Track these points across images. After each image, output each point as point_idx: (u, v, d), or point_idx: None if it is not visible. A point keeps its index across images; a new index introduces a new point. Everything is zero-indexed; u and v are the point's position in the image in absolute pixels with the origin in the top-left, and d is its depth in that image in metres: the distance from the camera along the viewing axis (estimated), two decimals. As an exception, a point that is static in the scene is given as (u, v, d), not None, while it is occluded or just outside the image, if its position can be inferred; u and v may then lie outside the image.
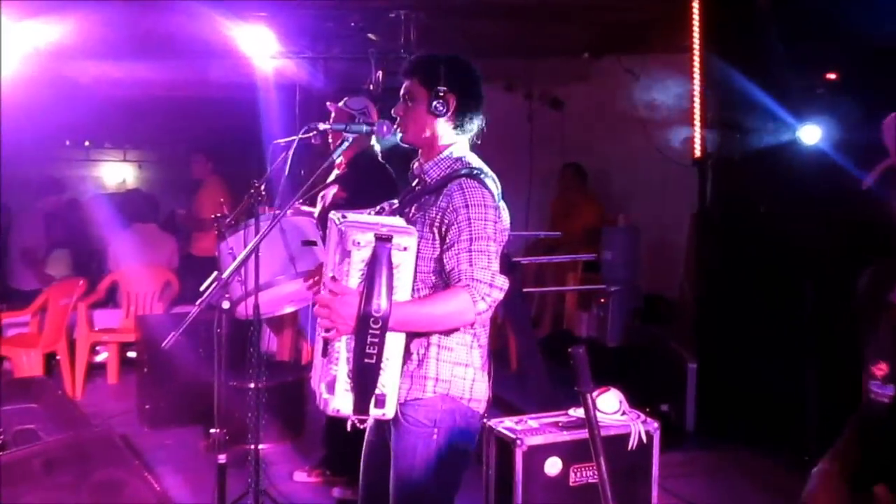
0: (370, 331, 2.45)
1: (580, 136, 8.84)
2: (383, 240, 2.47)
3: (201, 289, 3.06)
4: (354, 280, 2.48)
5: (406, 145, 2.87)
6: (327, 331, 2.52)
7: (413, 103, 2.79)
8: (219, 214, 4.25)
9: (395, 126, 2.85)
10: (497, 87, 8.45)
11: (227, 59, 7.51)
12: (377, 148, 4.77)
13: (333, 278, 2.54)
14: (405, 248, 2.49)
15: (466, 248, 2.58)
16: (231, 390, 3.26)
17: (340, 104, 4.76)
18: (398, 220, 2.68)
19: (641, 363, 6.52)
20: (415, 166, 2.89)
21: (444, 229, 2.63)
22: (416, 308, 2.56)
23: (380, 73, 6.94)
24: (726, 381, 5.80)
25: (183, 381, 5.64)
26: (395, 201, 2.90)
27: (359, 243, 2.45)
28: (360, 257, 2.46)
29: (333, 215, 2.71)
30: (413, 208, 2.77)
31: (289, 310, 4.58)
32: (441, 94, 2.74)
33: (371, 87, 6.90)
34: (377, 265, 2.46)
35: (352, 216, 2.65)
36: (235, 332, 3.29)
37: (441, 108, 2.74)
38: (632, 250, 7.59)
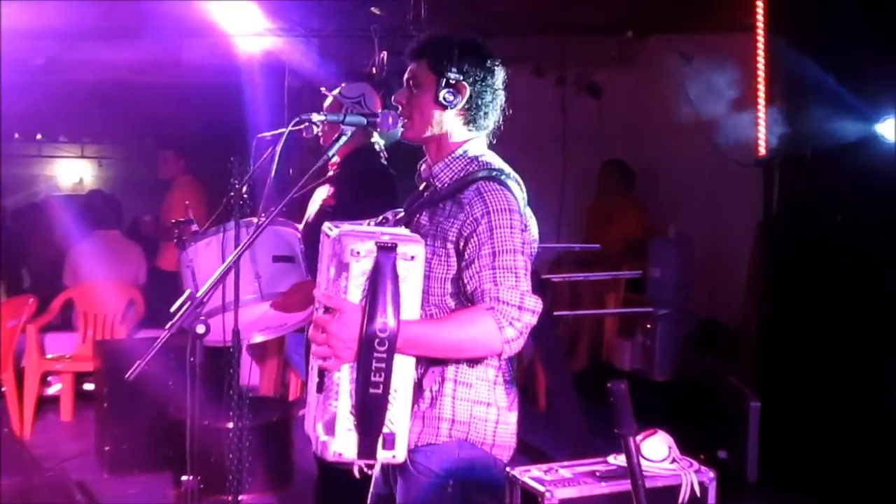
0: (376, 354, 2.44)
1: (622, 130, 8.85)
2: (386, 249, 2.48)
3: (172, 309, 3.07)
4: (354, 296, 2.48)
5: (408, 142, 2.87)
6: (324, 359, 2.51)
7: (418, 91, 2.80)
8: (181, 220, 4.27)
9: (400, 118, 2.86)
10: (523, 72, 8.46)
11: (204, 38, 7.55)
12: (380, 145, 4.78)
13: (328, 295, 2.54)
14: (412, 258, 2.50)
15: (489, 263, 2.58)
16: (206, 431, 3.28)
17: (336, 91, 4.76)
18: (402, 230, 2.69)
19: (695, 401, 6.49)
20: (422, 168, 2.89)
21: (461, 243, 2.63)
22: (428, 328, 2.56)
23: (384, 55, 6.97)
24: (796, 422, 5.79)
25: (149, 418, 5.65)
26: (400, 210, 2.90)
27: (358, 253, 2.46)
28: (359, 269, 2.47)
29: (326, 227, 2.71)
30: (421, 218, 2.78)
31: (258, 339, 4.60)
32: (452, 81, 2.74)
33: (374, 70, 6.93)
34: (381, 277, 2.46)
35: (347, 226, 2.67)
36: (211, 362, 3.30)
37: (450, 98, 2.75)
38: (684, 266, 7.58)
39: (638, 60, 8.70)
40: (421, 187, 2.90)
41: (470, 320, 2.55)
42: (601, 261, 7.96)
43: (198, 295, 2.71)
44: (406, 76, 2.83)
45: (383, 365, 2.45)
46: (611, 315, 8.03)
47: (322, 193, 4.64)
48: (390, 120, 2.89)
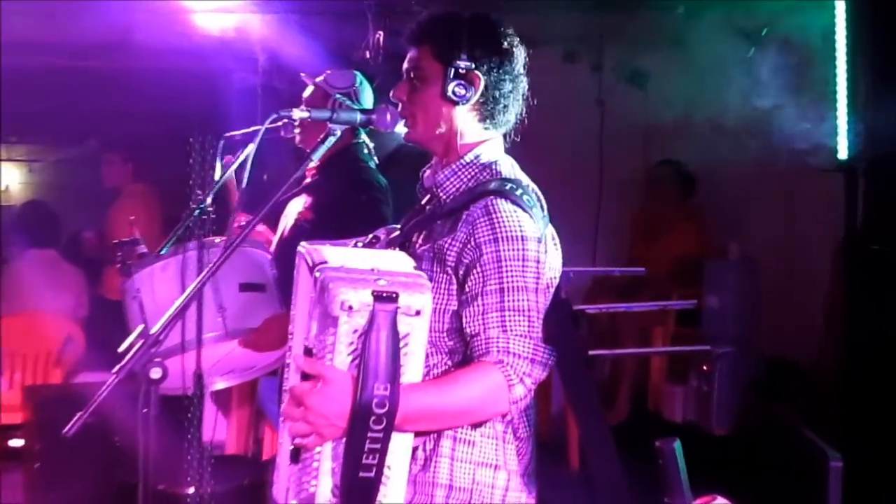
0: (370, 433, 2.39)
1: (672, 127, 8.82)
2: (385, 300, 2.40)
3: (121, 349, 3.08)
4: (342, 359, 2.42)
5: (412, 145, 2.90)
6: (302, 436, 2.47)
7: (422, 84, 2.82)
8: (124, 240, 4.33)
9: (399, 117, 2.88)
10: (552, 56, 8.48)
11: (160, 15, 7.62)
12: (368, 146, 4.82)
13: (309, 352, 2.51)
14: (417, 313, 2.44)
15: (496, 303, 2.59)
16: (162, 498, 3.28)
17: (321, 79, 4.79)
18: (401, 259, 2.63)
19: (762, 460, 6.45)
20: (425, 175, 2.92)
21: (461, 271, 2.64)
22: (432, 397, 2.51)
23: (380, 36, 7.08)
24: (884, 484, 5.78)
25: (92, 482, 5.65)
26: (395, 228, 2.92)
27: (350, 308, 2.39)
28: (350, 327, 2.41)
29: (303, 249, 2.68)
30: (419, 238, 2.79)
31: (221, 385, 4.66)
32: (462, 70, 2.75)
33: (367, 55, 7.05)
34: (377, 338, 2.39)
35: (332, 254, 2.58)
36: (169, 414, 3.29)
37: (461, 92, 2.76)
38: (748, 294, 7.62)
39: (691, 42, 8.67)
40: (423, 200, 2.92)
41: (477, 380, 2.54)
42: (647, 287, 8.00)
43: (152, 331, 2.69)
44: (406, 66, 2.85)
45: (378, 445, 2.40)
46: (658, 354, 8.05)
47: (297, 205, 4.68)
48: (389, 117, 2.90)
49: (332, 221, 4.38)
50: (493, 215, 2.63)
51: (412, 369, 2.47)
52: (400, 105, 2.86)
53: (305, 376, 2.48)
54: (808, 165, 6.89)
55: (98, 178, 8.40)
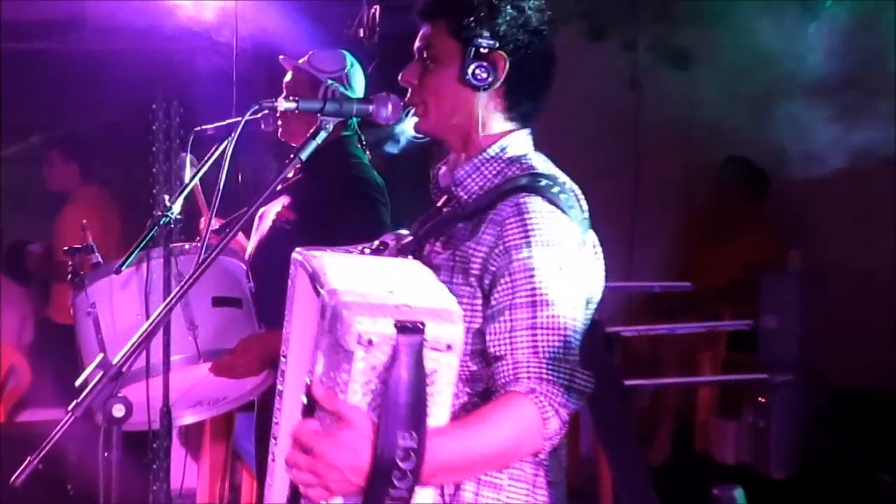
0: (392, 490, 2.32)
1: (719, 115, 8.83)
2: (410, 331, 2.32)
3: (77, 382, 3.07)
4: (357, 399, 2.36)
5: (423, 137, 2.91)
6: (307, 486, 2.41)
7: (435, 65, 2.82)
8: (76, 247, 4.37)
9: (404, 105, 2.87)
10: (577, 33, 8.46)
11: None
12: (360, 136, 4.83)
13: (316, 385, 2.42)
14: (448, 347, 2.36)
15: (527, 318, 2.57)
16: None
17: (304, 61, 4.82)
18: (420, 273, 2.61)
19: (830, 505, 6.51)
20: (439, 173, 2.93)
21: (486, 280, 2.64)
22: (460, 445, 2.45)
23: (375, 10, 7.03)
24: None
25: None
26: (405, 233, 2.92)
27: (370, 342, 2.31)
28: (368, 363, 2.34)
29: (300, 256, 2.68)
30: (437, 245, 2.79)
31: (190, 419, 4.67)
32: (484, 49, 2.74)
33: (361, 33, 7.01)
34: (401, 378, 2.30)
35: (337, 266, 2.56)
36: (131, 456, 3.29)
37: (482, 76, 2.75)
38: (812, 313, 7.55)
39: (741, 15, 8.67)
40: (439, 202, 2.93)
41: (509, 418, 2.49)
42: (696, 305, 8.00)
43: (114, 361, 2.65)
44: (417, 44, 2.85)
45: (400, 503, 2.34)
46: (706, 384, 8.04)
47: (276, 205, 4.70)
48: (389, 108, 2.89)
49: (319, 223, 4.43)
50: (526, 215, 2.62)
51: (438, 412, 2.41)
52: (409, 90, 2.85)
53: (309, 411, 2.41)
54: (882, 161, 6.96)
55: (41, 179, 8.45)
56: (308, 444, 2.36)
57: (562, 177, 2.77)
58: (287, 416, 2.64)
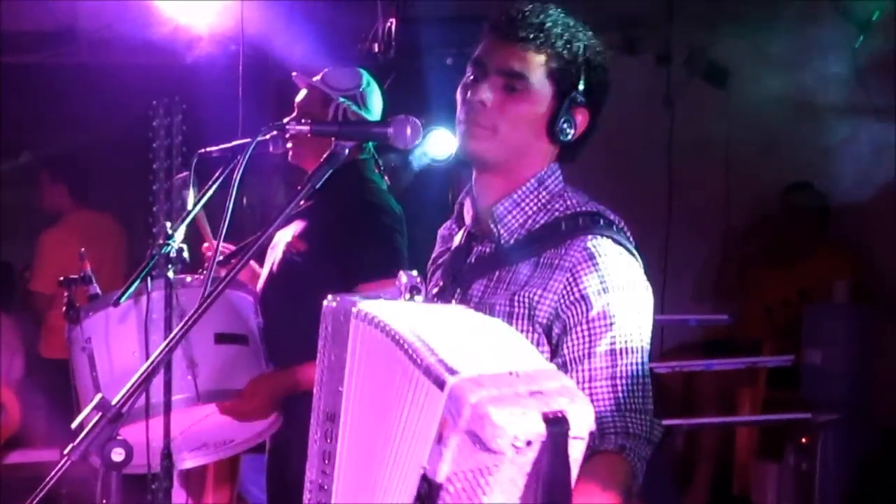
0: None
1: (760, 134, 8.76)
2: (555, 423, 2.23)
3: (73, 424, 2.95)
4: (499, 498, 2.25)
5: (469, 157, 2.90)
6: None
7: (524, 98, 2.82)
8: (72, 277, 4.35)
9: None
10: (607, 45, 8.29)
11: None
12: (377, 161, 4.85)
13: (445, 484, 2.30)
14: (591, 434, 2.32)
15: (606, 368, 2.64)
16: None
17: (318, 79, 4.83)
18: (502, 331, 2.50)
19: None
20: (467, 204, 2.97)
21: (556, 330, 2.69)
22: None
23: (391, 23, 7.04)
24: None
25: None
26: (413, 274, 2.81)
27: (521, 445, 2.22)
28: (521, 463, 2.25)
29: (332, 302, 2.66)
30: (484, 287, 2.83)
31: (191, 464, 4.73)
32: (578, 103, 2.83)
33: (376, 48, 7.03)
34: (552, 474, 2.21)
35: (387, 311, 2.51)
36: (130, 501, 3.42)
37: (568, 131, 2.82)
38: (862, 345, 7.47)
39: (782, 28, 8.60)
40: (458, 237, 2.98)
41: (615, 482, 2.53)
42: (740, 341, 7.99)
43: (114, 402, 2.58)
44: (501, 65, 2.83)
45: None
46: (746, 424, 8.02)
47: (286, 234, 4.68)
48: (408, 131, 2.84)
49: (332, 252, 4.49)
50: (599, 259, 2.68)
51: None
52: (475, 108, 2.83)
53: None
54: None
55: (33, 201, 8.55)
56: None
57: (611, 214, 2.86)
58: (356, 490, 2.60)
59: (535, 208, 2.83)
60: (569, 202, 2.83)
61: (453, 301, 2.83)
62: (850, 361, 7.41)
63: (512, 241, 2.81)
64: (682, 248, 8.73)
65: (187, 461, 4.59)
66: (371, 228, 4.57)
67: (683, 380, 8.07)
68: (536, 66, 2.81)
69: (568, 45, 2.82)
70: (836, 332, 7.48)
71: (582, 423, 2.29)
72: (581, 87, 2.81)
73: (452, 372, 2.32)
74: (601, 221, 2.76)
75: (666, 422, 7.46)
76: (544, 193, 2.86)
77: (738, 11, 8.63)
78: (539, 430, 2.23)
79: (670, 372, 7.67)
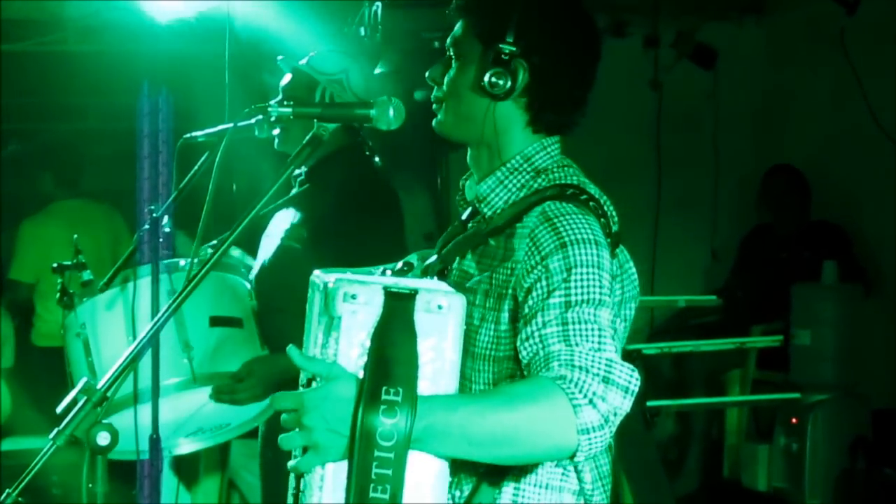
0: (377, 453, 2.30)
1: (749, 117, 8.89)
2: (399, 296, 2.37)
3: (59, 409, 3.06)
4: (348, 362, 2.39)
5: (445, 138, 2.89)
6: (294, 455, 2.44)
7: (458, 65, 2.82)
8: (66, 263, 4.31)
9: (434, 102, 2.88)
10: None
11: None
12: (368, 146, 4.82)
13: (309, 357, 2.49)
14: (438, 307, 2.40)
15: (558, 316, 2.50)
16: None
17: (303, 62, 4.81)
18: (432, 282, 2.65)
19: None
20: (465, 185, 2.95)
21: (522, 299, 2.58)
22: (463, 410, 2.39)
23: (377, 6, 7.06)
24: None
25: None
26: (431, 253, 2.91)
27: (354, 297, 2.38)
28: (356, 324, 2.39)
29: (316, 276, 2.66)
30: (463, 264, 2.79)
31: (186, 449, 4.63)
32: (505, 56, 2.72)
33: (362, 31, 7.05)
34: (389, 333, 2.35)
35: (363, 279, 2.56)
36: (120, 488, 3.24)
37: (498, 82, 2.72)
38: (851, 325, 7.51)
39: (771, 10, 8.69)
40: (464, 215, 2.92)
41: (529, 393, 2.40)
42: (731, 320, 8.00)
43: (99, 386, 2.63)
44: (448, 41, 2.85)
45: (390, 472, 2.30)
46: (735, 406, 7.98)
47: (283, 221, 4.68)
48: (391, 113, 2.93)
49: (330, 237, 4.41)
50: (556, 220, 2.58)
51: (442, 381, 2.42)
52: (433, 89, 2.85)
53: (309, 383, 2.47)
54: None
55: (25, 191, 8.41)
56: (299, 401, 2.38)
57: (591, 186, 2.76)
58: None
59: (518, 185, 2.75)
60: (553, 176, 2.74)
61: (435, 277, 2.77)
62: (839, 342, 7.36)
63: (498, 220, 2.70)
64: (670, 229, 8.78)
65: (184, 445, 4.50)
66: (368, 211, 4.51)
67: (673, 362, 8.05)
68: (466, 32, 2.77)
69: (492, 3, 2.76)
70: (825, 313, 7.41)
71: (431, 300, 2.38)
72: (509, 38, 2.69)
73: (328, 277, 2.49)
74: (569, 192, 2.66)
75: (653, 403, 7.64)
76: (529, 171, 2.76)
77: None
78: (373, 294, 2.37)
79: (659, 353, 7.56)
